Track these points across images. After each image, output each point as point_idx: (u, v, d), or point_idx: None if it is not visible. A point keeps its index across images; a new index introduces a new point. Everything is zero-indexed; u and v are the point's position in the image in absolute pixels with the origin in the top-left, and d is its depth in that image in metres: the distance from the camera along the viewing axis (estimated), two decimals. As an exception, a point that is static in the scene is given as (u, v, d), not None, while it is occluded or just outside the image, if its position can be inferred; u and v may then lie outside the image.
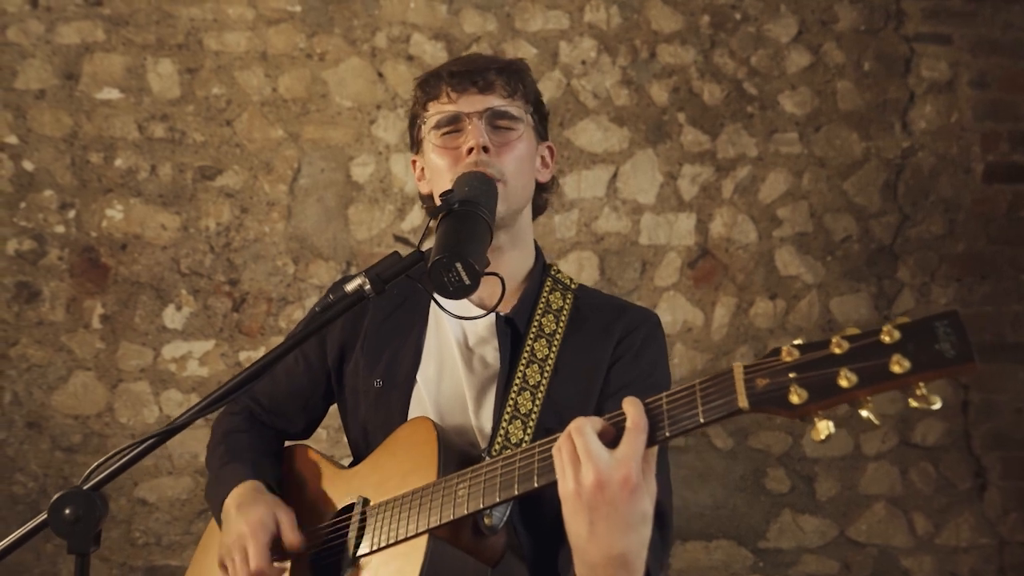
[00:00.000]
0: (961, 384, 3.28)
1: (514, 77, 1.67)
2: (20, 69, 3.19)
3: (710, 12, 3.31)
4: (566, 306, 1.70)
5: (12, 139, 3.18)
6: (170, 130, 3.21)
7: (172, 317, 3.18)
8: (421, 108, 1.68)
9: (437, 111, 1.64)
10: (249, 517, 1.58)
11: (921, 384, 0.99)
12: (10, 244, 3.15)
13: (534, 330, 1.65)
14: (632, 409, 1.15)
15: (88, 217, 3.18)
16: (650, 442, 1.14)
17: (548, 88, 3.28)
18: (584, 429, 1.14)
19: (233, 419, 1.85)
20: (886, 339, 1.01)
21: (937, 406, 1.00)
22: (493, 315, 1.65)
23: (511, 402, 1.57)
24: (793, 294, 3.29)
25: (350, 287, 1.40)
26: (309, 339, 1.41)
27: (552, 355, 1.64)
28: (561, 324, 1.67)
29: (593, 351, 1.65)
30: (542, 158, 1.73)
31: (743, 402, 1.08)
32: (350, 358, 1.74)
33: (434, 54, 3.25)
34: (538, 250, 1.77)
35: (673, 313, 3.25)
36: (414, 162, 1.75)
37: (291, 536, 1.57)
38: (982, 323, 3.28)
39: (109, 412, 3.15)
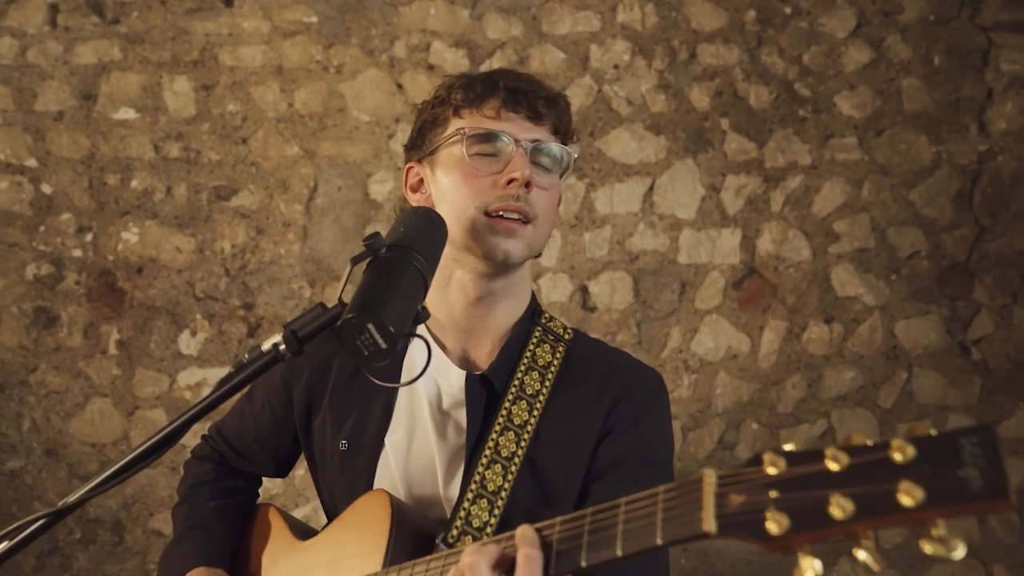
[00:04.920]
0: (1050, 419, 2.89)
1: (564, 114, 1.46)
2: (39, 91, 3.15)
3: (756, 7, 3.01)
4: (555, 361, 1.46)
5: (31, 162, 3.14)
6: (185, 149, 3.11)
7: (187, 343, 3.08)
8: (451, 112, 1.44)
9: (478, 123, 1.41)
10: None
11: (939, 521, 0.77)
12: (29, 269, 3.11)
13: (514, 390, 1.42)
14: (522, 539, 0.97)
15: (105, 240, 3.11)
16: (558, 572, 0.95)
17: (578, 95, 3.04)
18: (477, 568, 0.96)
19: (202, 467, 1.73)
20: (897, 457, 0.79)
21: (959, 555, 0.77)
22: (464, 373, 1.43)
23: (477, 477, 1.36)
24: (852, 317, 2.96)
25: (266, 345, 1.22)
26: (218, 405, 1.24)
27: (532, 420, 1.40)
28: (547, 383, 1.44)
29: (581, 419, 1.41)
30: None
31: (709, 525, 0.87)
32: (318, 413, 1.56)
33: (455, 62, 3.05)
34: (532, 298, 1.53)
35: (716, 339, 2.97)
36: (410, 169, 1.52)
37: None
38: (1075, 350, 2.88)
39: (125, 440, 3.07)
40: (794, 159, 2.99)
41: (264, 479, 1.79)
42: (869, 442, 0.81)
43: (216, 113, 3.11)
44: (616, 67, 3.04)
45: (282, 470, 1.71)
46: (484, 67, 3.06)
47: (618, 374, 1.44)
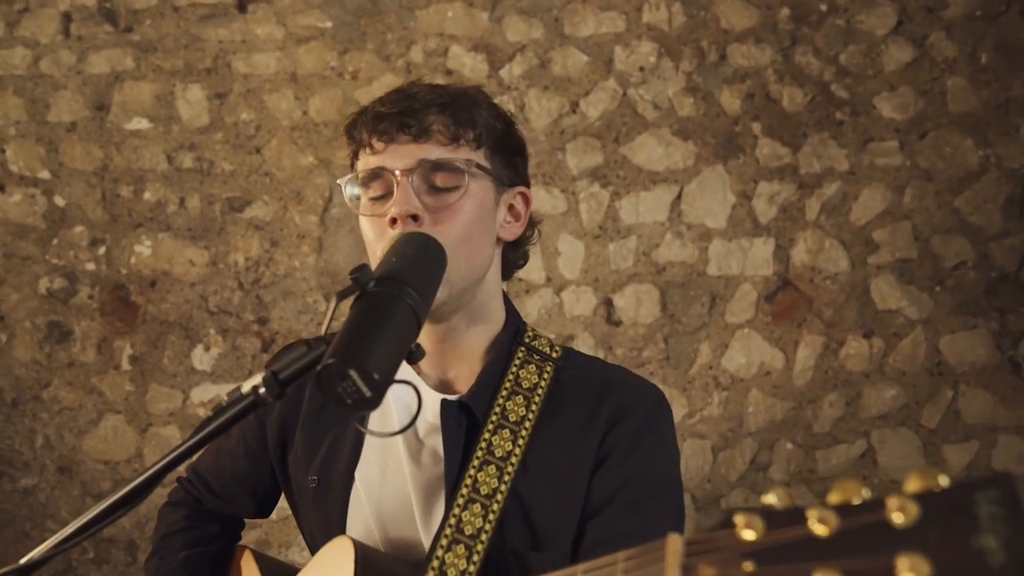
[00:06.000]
0: (1109, 441, 2.70)
1: (460, 114, 1.28)
2: (52, 101, 3.09)
3: (790, 4, 2.86)
4: (542, 383, 1.32)
5: (44, 174, 3.08)
6: (198, 160, 3.03)
7: (201, 358, 3.00)
8: (354, 158, 1.33)
9: (364, 163, 1.28)
10: None
11: None
12: (42, 283, 3.06)
13: (495, 418, 1.29)
14: None
15: (118, 253, 3.05)
16: None
17: (602, 99, 2.91)
18: None
19: (175, 514, 1.60)
20: (896, 519, 0.63)
21: None
22: (440, 397, 1.32)
23: (452, 520, 1.23)
24: (893, 331, 2.79)
25: (246, 387, 1.10)
26: (195, 452, 1.13)
27: (517, 451, 1.27)
28: (533, 408, 1.30)
29: (573, 446, 1.28)
30: (510, 208, 1.36)
31: None
32: (291, 446, 1.44)
33: (474, 67, 2.94)
34: (510, 314, 1.40)
35: (748, 355, 2.82)
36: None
37: None
38: None
39: (139, 458, 3.00)
40: (831, 164, 2.83)
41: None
42: (865, 495, 0.65)
43: (229, 122, 3.03)
44: (642, 69, 2.91)
45: (263, 510, 1.58)
46: (504, 71, 2.95)
47: (613, 393, 1.30)
